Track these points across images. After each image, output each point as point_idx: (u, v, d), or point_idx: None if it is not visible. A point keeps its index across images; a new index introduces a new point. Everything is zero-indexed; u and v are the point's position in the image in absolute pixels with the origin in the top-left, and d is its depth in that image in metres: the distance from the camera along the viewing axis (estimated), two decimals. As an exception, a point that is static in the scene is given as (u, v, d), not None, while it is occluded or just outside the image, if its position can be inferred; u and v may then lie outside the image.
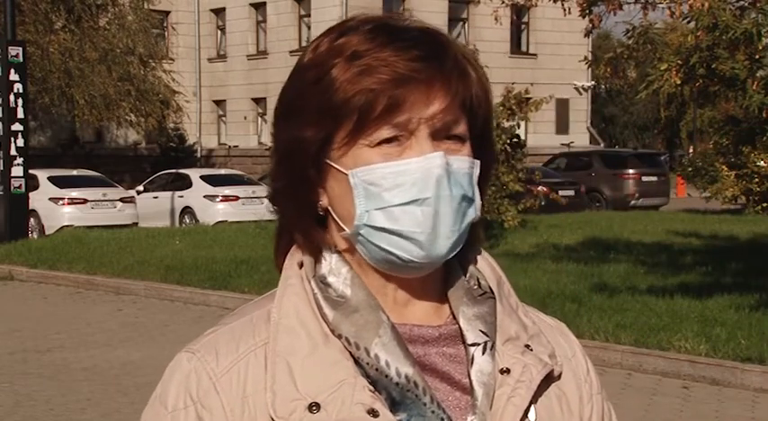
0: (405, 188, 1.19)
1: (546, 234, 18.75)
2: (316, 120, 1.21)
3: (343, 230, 1.23)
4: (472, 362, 1.24)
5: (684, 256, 14.84)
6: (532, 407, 1.25)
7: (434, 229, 1.20)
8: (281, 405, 1.18)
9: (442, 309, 1.28)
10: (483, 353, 1.24)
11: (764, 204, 24.28)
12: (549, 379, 1.28)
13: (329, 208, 1.25)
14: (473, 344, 1.25)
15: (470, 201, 1.23)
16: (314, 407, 1.17)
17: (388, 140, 1.19)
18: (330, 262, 1.25)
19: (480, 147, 1.26)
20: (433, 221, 1.19)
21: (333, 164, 1.22)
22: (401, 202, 1.19)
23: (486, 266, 1.33)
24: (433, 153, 1.19)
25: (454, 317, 1.28)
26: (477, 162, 1.24)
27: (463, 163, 1.22)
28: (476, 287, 1.30)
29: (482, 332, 1.26)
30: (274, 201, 1.30)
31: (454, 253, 1.23)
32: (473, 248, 1.30)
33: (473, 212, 1.23)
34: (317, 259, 1.26)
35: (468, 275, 1.30)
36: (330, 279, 1.24)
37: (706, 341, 8.88)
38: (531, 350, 1.27)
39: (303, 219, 1.26)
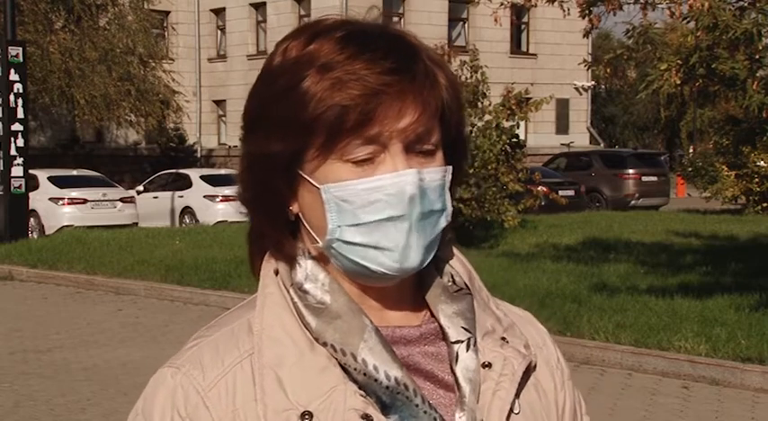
0: (378, 206, 1.18)
1: (546, 234, 18.74)
2: (285, 136, 1.19)
3: (316, 242, 1.23)
4: (457, 360, 1.24)
5: (684, 256, 14.83)
6: (516, 400, 1.25)
7: (407, 243, 1.19)
8: (272, 416, 1.17)
9: (419, 308, 1.28)
10: (467, 350, 1.25)
11: (764, 204, 24.28)
12: (528, 369, 1.29)
13: (300, 214, 1.24)
14: (456, 342, 1.25)
15: (441, 212, 1.22)
16: (306, 415, 1.17)
17: (360, 158, 1.18)
18: (306, 268, 1.24)
19: (453, 152, 1.25)
20: (407, 237, 1.19)
21: (306, 176, 1.20)
22: (374, 219, 1.19)
23: (456, 262, 1.33)
24: (406, 170, 1.18)
25: (432, 315, 1.27)
26: (449, 168, 1.23)
27: (436, 174, 1.21)
28: (451, 284, 1.30)
29: (464, 329, 1.26)
30: (244, 206, 1.29)
31: (426, 263, 1.23)
32: (445, 246, 1.29)
33: (444, 221, 1.23)
34: (291, 266, 1.25)
35: (440, 272, 1.30)
36: (307, 286, 1.23)
37: (706, 341, 8.87)
38: (508, 342, 1.28)
39: (273, 226, 1.25)
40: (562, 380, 1.36)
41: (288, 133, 1.19)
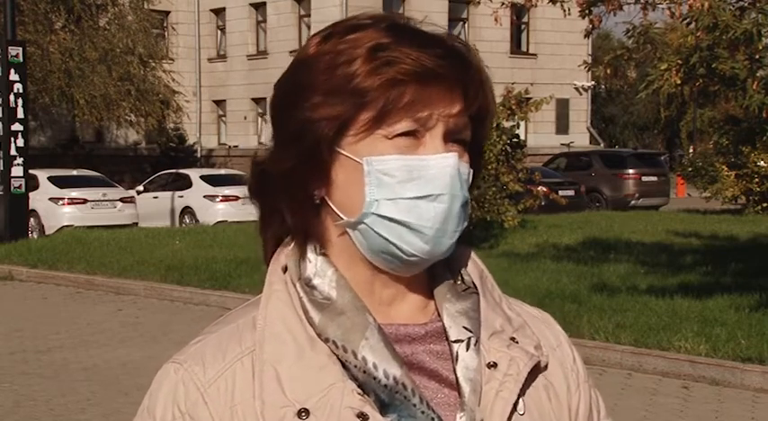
0: (420, 183, 1.19)
1: (546, 234, 18.75)
2: (337, 103, 1.19)
3: (341, 219, 1.22)
4: (457, 359, 1.24)
5: (684, 256, 14.83)
6: (521, 400, 1.25)
7: (443, 225, 1.20)
8: (269, 412, 1.18)
9: (428, 306, 1.28)
10: (467, 350, 1.24)
11: (764, 204, 24.28)
12: (537, 370, 1.28)
13: (326, 197, 1.23)
14: (456, 341, 1.25)
15: (467, 205, 1.24)
16: (303, 413, 1.17)
17: (404, 134, 1.19)
18: (315, 263, 1.25)
19: (473, 159, 1.26)
20: (443, 218, 1.20)
21: (343, 151, 1.21)
22: (414, 196, 1.19)
23: (467, 261, 1.33)
24: (448, 153, 1.20)
25: (439, 314, 1.27)
26: (471, 171, 1.25)
27: (465, 168, 1.23)
28: (459, 282, 1.30)
29: (465, 328, 1.25)
30: (265, 189, 1.27)
31: (450, 252, 1.23)
32: (457, 245, 1.29)
33: (466, 217, 1.24)
34: (302, 259, 1.25)
35: (451, 271, 1.30)
36: (316, 281, 1.24)
37: (706, 341, 8.87)
38: (517, 342, 1.27)
39: (302, 204, 1.24)
40: (577, 383, 1.34)
41: (340, 101, 1.19)
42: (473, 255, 1.34)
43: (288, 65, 1.27)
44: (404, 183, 1.19)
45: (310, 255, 1.25)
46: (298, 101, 1.22)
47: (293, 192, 1.24)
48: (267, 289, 1.26)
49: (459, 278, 1.30)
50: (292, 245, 1.28)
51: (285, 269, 1.26)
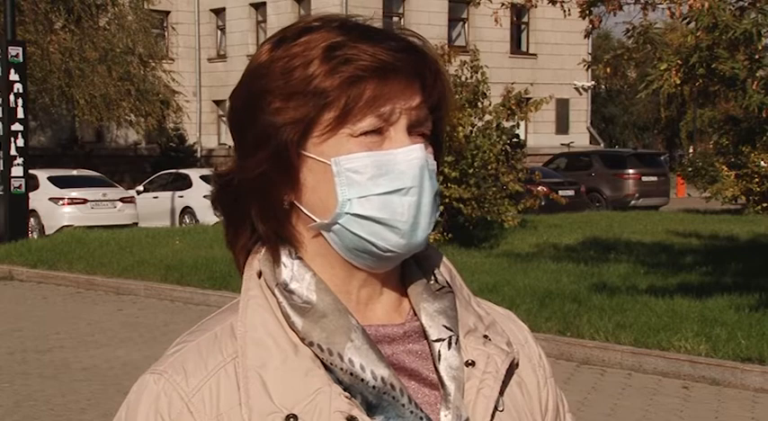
0: (389, 177, 1.19)
1: (546, 234, 18.74)
2: (298, 106, 1.19)
3: (314, 222, 1.22)
4: (439, 358, 1.24)
5: (684, 256, 14.84)
6: (500, 398, 1.26)
7: (416, 219, 1.20)
8: (257, 419, 1.17)
9: (403, 306, 1.28)
10: (449, 348, 1.24)
11: (764, 204, 24.29)
12: (511, 367, 1.29)
13: (295, 201, 1.23)
14: (438, 340, 1.25)
15: (438, 196, 1.24)
16: (291, 418, 1.16)
17: (369, 131, 1.19)
18: (291, 268, 1.23)
19: (437, 151, 1.27)
20: (416, 211, 1.20)
21: (309, 154, 1.20)
22: (385, 191, 1.19)
23: (437, 260, 1.34)
24: (414, 145, 1.20)
25: (415, 314, 1.27)
26: (435, 163, 1.25)
27: (432, 160, 1.23)
28: (433, 282, 1.30)
29: (445, 327, 1.26)
30: (232, 201, 1.27)
31: (425, 244, 1.24)
32: (427, 245, 1.30)
33: (438, 208, 1.24)
34: (276, 265, 1.24)
35: (423, 271, 1.30)
36: (293, 285, 1.23)
37: (706, 341, 8.87)
38: (490, 340, 1.28)
39: (274, 211, 1.23)
40: (545, 378, 1.36)
41: (302, 104, 1.19)
42: (442, 255, 1.35)
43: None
44: (374, 179, 1.19)
45: (285, 259, 1.24)
46: (258, 108, 1.21)
47: (262, 199, 1.23)
48: (244, 295, 1.24)
49: (433, 277, 1.30)
50: (263, 250, 1.26)
51: (260, 274, 1.25)
